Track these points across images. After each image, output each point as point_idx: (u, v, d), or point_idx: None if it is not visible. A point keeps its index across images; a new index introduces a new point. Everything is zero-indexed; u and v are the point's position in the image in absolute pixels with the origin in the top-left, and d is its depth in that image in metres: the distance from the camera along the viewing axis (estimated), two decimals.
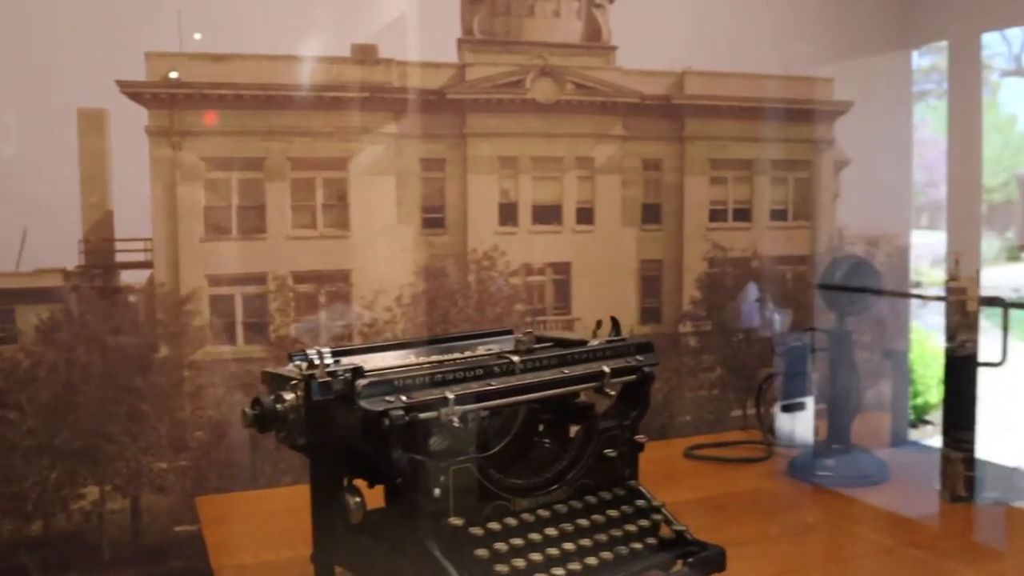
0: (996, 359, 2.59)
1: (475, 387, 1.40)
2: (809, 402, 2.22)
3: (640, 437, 1.65)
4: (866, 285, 2.19)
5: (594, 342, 1.65)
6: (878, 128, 3.02)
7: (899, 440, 2.30)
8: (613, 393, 1.58)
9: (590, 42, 2.64)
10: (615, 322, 1.68)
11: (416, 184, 2.49)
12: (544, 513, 1.44)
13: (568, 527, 1.41)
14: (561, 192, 2.61)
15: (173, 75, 2.28)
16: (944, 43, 2.88)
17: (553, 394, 1.53)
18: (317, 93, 2.40)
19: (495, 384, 1.42)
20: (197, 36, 2.30)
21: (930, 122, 3.15)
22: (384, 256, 2.47)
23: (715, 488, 2.12)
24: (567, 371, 1.53)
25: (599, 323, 1.73)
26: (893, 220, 3.06)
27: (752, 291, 3.08)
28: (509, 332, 1.82)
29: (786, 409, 2.21)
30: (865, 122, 2.99)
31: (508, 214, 2.56)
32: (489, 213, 2.54)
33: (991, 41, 2.91)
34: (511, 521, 1.39)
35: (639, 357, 1.69)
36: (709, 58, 2.75)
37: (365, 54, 2.44)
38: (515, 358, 1.47)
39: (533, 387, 1.48)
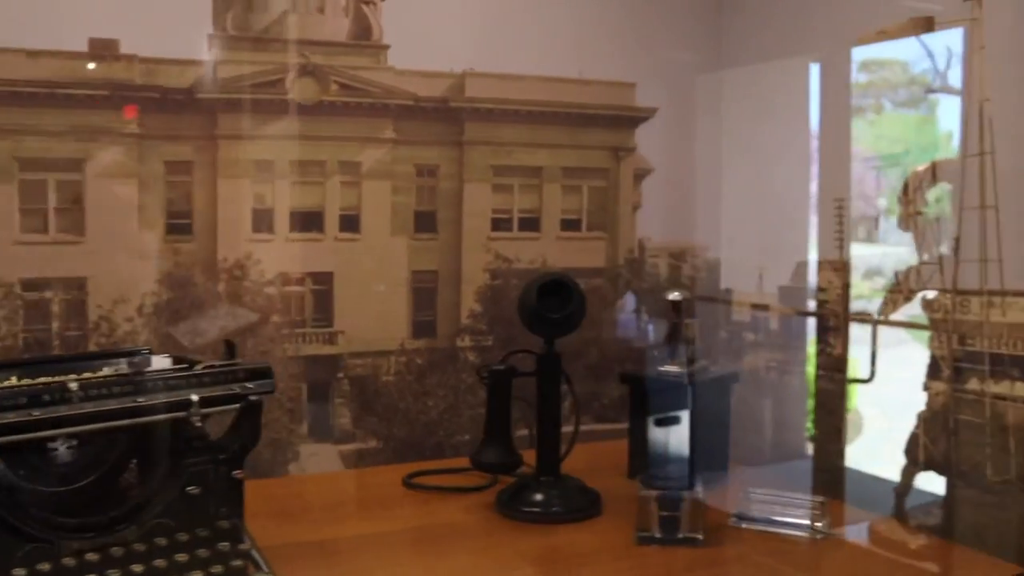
0: (865, 376, 2.67)
1: (11, 417, 1.39)
2: (508, 431, 2.23)
3: (238, 473, 1.65)
4: (569, 306, 2.21)
5: (199, 367, 1.65)
6: (688, 138, 3.03)
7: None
8: (200, 424, 1.57)
9: (358, 40, 2.62)
10: (229, 345, 1.68)
11: (160, 188, 2.50)
12: (93, 557, 1.44)
13: (120, 572, 1.40)
14: (323, 198, 2.62)
15: None
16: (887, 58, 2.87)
17: (116, 425, 1.52)
18: (49, 89, 2.37)
19: (37, 414, 1.41)
20: None
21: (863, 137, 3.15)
22: (124, 263, 2.46)
23: (401, 522, 2.15)
24: (142, 400, 1.52)
25: (229, 344, 1.72)
26: (702, 233, 3.07)
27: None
28: (148, 351, 1.82)
29: (490, 441, 2.22)
30: (673, 130, 3.00)
31: (263, 220, 2.57)
32: (242, 219, 2.55)
33: (919, 57, 2.89)
34: (45, 566, 1.38)
35: (248, 384, 1.69)
36: (495, 59, 2.78)
37: (105, 49, 2.42)
38: (72, 385, 1.46)
39: (89, 417, 1.47)
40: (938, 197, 2.64)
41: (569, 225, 3.02)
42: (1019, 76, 2.43)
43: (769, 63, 2.99)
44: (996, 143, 2.48)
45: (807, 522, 1.93)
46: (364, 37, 2.74)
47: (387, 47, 2.75)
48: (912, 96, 2.79)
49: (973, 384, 2.62)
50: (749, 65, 3.06)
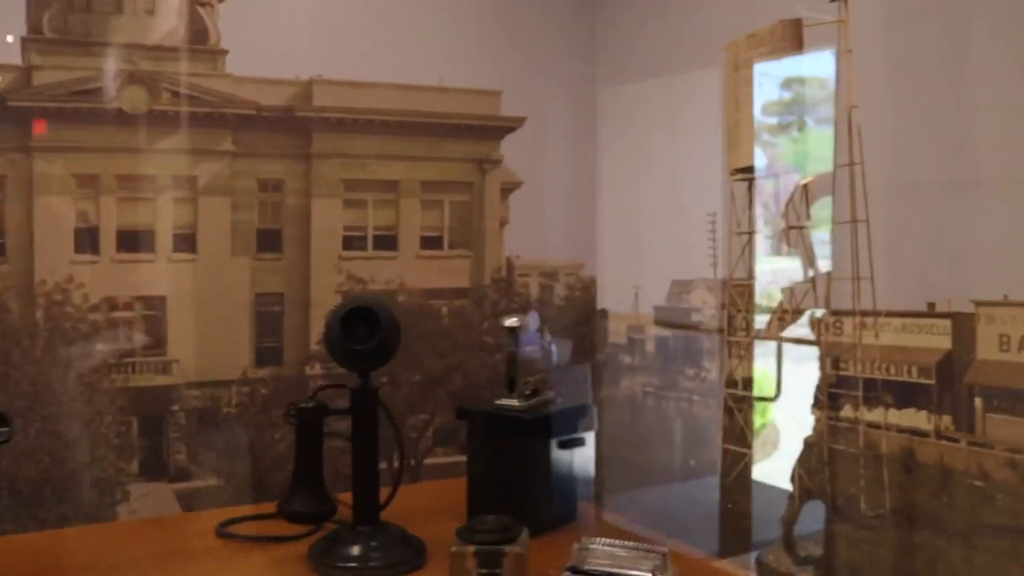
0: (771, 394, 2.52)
1: None
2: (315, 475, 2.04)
3: None
4: (377, 335, 2.03)
5: None
6: (559, 149, 2.91)
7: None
8: None
9: (193, 45, 2.46)
10: None
11: None
12: None
13: None
14: (154, 215, 2.45)
15: None
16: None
17: None
18: None
19: None
20: None
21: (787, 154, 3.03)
22: None
23: None
24: None
25: None
26: (576, 249, 2.94)
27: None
28: None
29: (298, 487, 2.02)
30: (543, 141, 2.88)
31: (87, 240, 2.39)
32: (63, 239, 2.36)
33: None
34: None
35: None
36: (346, 65, 2.65)
37: None
38: None
39: None
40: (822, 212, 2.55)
41: (430, 243, 2.89)
42: (891, 81, 2.35)
43: (645, 74, 2.90)
44: (866, 152, 2.40)
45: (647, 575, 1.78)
46: (200, 41, 2.59)
47: (225, 52, 2.61)
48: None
49: (847, 411, 2.53)
50: (626, 75, 2.97)
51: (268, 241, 2.70)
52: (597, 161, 3.07)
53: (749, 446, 2.71)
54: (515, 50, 2.96)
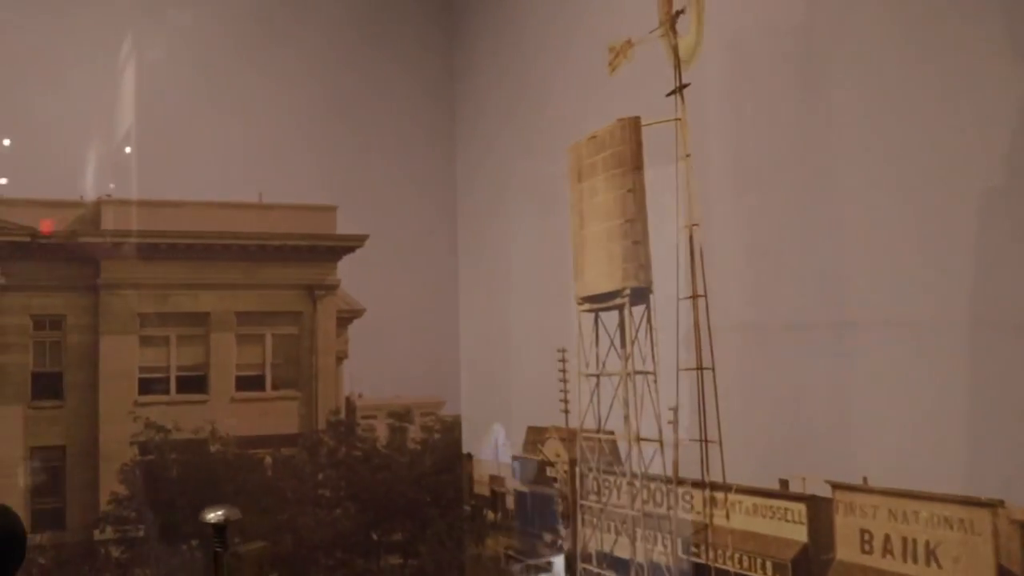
0: None
1: None
2: None
3: None
4: None
5: None
6: (410, 269, 2.48)
7: None
8: None
9: None
10: None
11: None
12: None
13: None
14: None
15: None
16: None
17: None
18: None
19: None
20: None
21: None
22: None
23: None
24: None
25: None
26: (434, 385, 2.50)
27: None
28: None
29: None
30: (391, 261, 2.46)
31: None
32: None
33: None
34: None
35: None
36: (142, 182, 2.24)
37: None
38: None
39: None
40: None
41: (249, 383, 2.47)
42: (737, 190, 1.87)
43: (506, 182, 2.45)
44: (714, 281, 1.92)
45: None
46: None
47: None
48: None
49: None
50: (486, 182, 2.53)
51: (46, 386, 2.31)
52: (458, 282, 2.62)
53: None
54: (355, 158, 2.54)
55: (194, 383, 2.41)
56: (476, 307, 2.57)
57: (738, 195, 1.89)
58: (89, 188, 2.32)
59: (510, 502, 2.48)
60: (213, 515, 1.70)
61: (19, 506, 2.30)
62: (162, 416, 2.37)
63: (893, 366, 1.56)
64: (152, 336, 2.38)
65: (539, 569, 2.40)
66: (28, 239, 2.27)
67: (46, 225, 2.23)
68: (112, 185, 2.33)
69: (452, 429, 2.62)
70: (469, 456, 2.59)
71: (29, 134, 2.27)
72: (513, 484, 2.45)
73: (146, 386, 2.37)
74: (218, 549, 1.69)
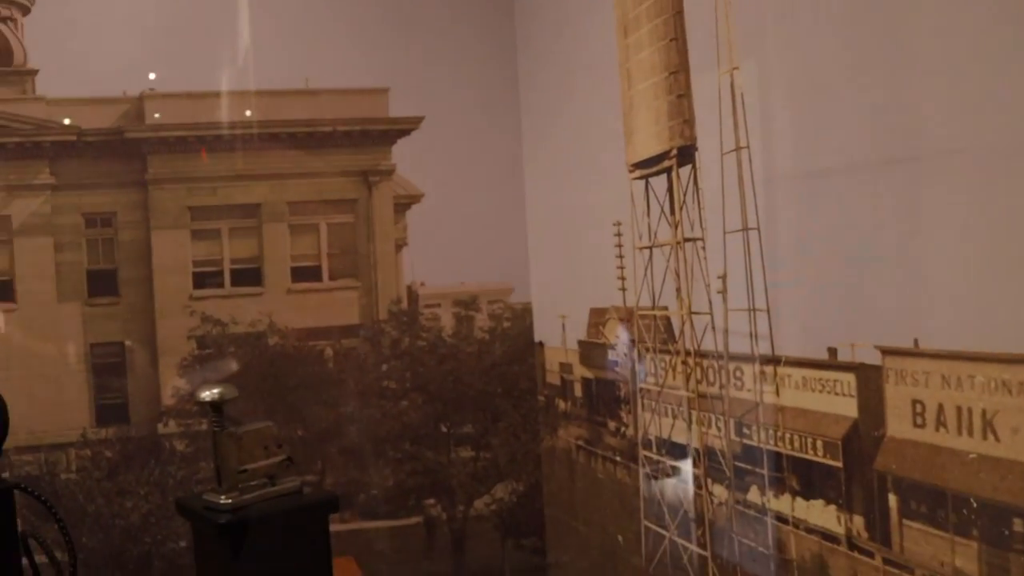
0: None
1: None
2: None
3: None
4: None
5: None
6: (470, 152, 2.30)
7: None
8: None
9: None
10: None
11: None
12: None
13: None
14: None
15: None
16: None
17: None
18: None
19: None
20: None
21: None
22: None
23: None
24: None
25: None
26: (501, 271, 2.33)
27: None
28: None
29: None
30: (450, 144, 2.29)
31: None
32: None
33: None
34: None
35: None
36: (183, 74, 2.14)
37: None
38: None
39: None
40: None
41: (305, 274, 2.34)
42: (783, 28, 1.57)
43: (571, 51, 2.21)
44: (756, 129, 1.64)
45: None
46: (3, 62, 2.18)
47: (35, 72, 2.18)
48: None
49: (754, 494, 1.76)
50: (549, 53, 2.28)
51: (101, 283, 2.24)
52: (523, 161, 2.41)
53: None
54: (404, 38, 2.34)
55: (249, 276, 2.31)
56: (542, 187, 2.35)
57: (782, 30, 1.60)
58: (131, 82, 2.22)
59: (578, 390, 2.28)
60: (208, 393, 1.57)
61: (83, 401, 2.27)
62: (218, 310, 2.28)
63: (947, 202, 1.27)
64: (204, 229, 2.28)
65: (603, 457, 2.20)
66: (74, 138, 2.20)
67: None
68: (152, 76, 2.22)
69: (523, 317, 2.43)
70: (540, 344, 2.40)
71: (70, 33, 2.18)
72: (580, 371, 2.25)
73: (200, 280, 2.28)
74: (216, 429, 1.56)
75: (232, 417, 2.26)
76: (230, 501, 1.58)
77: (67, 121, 2.19)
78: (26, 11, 2.17)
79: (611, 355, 2.18)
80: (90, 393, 2.25)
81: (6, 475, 1.60)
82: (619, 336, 2.14)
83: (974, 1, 1.19)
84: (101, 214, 2.24)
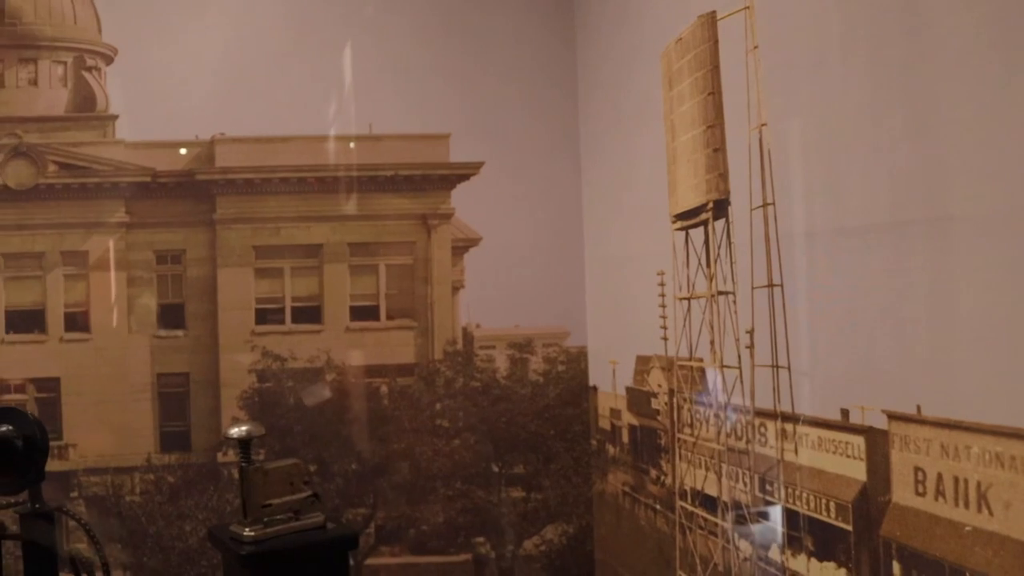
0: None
1: None
2: None
3: None
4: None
5: None
6: (527, 197, 2.35)
7: None
8: None
9: (80, 112, 2.22)
10: None
11: None
12: None
13: None
14: (44, 294, 2.22)
15: None
16: None
17: None
18: None
19: None
20: None
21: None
22: None
23: None
24: None
25: None
26: (557, 314, 2.36)
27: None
28: None
29: None
30: (508, 189, 2.34)
31: None
32: None
33: None
34: None
35: None
36: (252, 121, 2.26)
37: None
38: None
39: None
40: None
41: (363, 313, 2.41)
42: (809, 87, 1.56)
43: (631, 99, 2.23)
44: (782, 186, 1.62)
45: None
46: (87, 108, 2.33)
47: (115, 117, 2.32)
48: None
49: (774, 551, 1.73)
50: (609, 102, 2.30)
51: (170, 317, 2.36)
52: (582, 207, 2.43)
53: None
54: (467, 84, 2.39)
55: (309, 313, 2.39)
56: (599, 233, 2.36)
57: (811, 88, 1.59)
58: (204, 128, 2.33)
59: (624, 436, 2.27)
60: (236, 430, 1.64)
61: (149, 428, 2.38)
62: (278, 345, 2.37)
63: (963, 267, 1.25)
64: (267, 268, 2.37)
65: (645, 504, 2.18)
66: (149, 179, 2.32)
67: None
68: (224, 125, 2.33)
69: (577, 360, 2.45)
70: (595, 389, 2.40)
71: (147, 81, 2.31)
72: (627, 417, 2.25)
73: (262, 316, 2.38)
74: (243, 464, 1.64)
75: (288, 450, 2.34)
76: (253, 533, 1.65)
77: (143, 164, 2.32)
78: (109, 61, 2.32)
79: (653, 403, 2.17)
80: (155, 420, 2.36)
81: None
82: (660, 385, 2.14)
83: (1001, 64, 1.17)
84: (171, 251, 2.36)
